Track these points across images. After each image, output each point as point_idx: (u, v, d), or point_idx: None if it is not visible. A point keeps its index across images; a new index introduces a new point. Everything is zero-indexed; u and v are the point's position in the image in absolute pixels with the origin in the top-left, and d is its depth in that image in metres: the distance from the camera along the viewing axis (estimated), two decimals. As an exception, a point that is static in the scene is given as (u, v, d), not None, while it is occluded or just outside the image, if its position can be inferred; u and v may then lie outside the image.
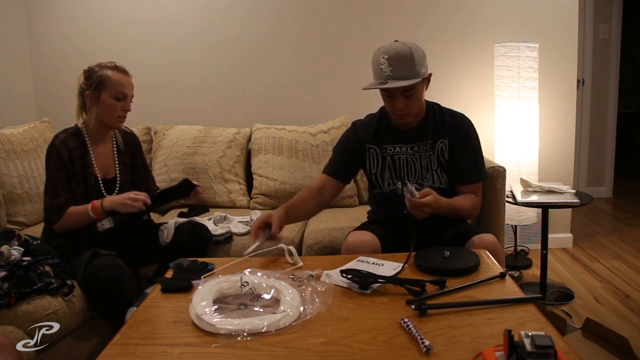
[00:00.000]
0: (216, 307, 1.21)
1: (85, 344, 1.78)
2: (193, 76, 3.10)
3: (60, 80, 3.10)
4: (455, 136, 1.85)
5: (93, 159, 1.94)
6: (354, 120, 1.99)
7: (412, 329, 1.08)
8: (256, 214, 2.42)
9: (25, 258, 1.69)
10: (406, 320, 1.12)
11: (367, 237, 1.76)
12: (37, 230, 2.07)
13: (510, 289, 1.32)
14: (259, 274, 1.36)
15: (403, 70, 1.69)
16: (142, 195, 1.83)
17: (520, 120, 2.81)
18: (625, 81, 4.75)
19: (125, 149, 2.07)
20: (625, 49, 4.42)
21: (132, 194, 1.83)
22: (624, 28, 4.29)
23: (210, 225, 2.26)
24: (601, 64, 4.28)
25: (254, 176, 2.77)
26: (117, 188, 2.00)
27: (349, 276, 1.36)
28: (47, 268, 1.69)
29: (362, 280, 1.34)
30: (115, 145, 2.04)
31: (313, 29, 3.07)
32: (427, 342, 1.03)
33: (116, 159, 2.03)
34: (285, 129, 2.83)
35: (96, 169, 1.95)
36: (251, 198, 2.75)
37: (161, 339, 1.14)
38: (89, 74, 1.89)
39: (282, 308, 1.18)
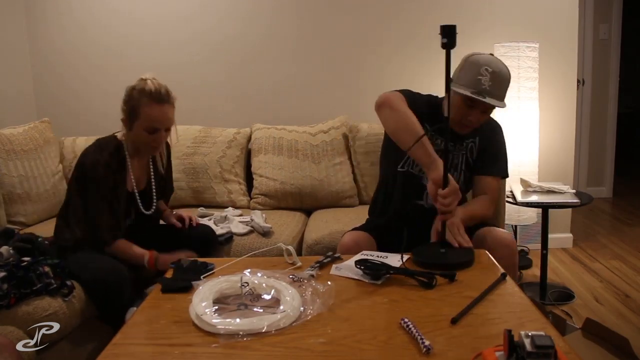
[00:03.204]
0: (216, 307, 1.21)
1: (86, 343, 1.78)
2: (193, 76, 3.10)
3: (60, 80, 3.10)
4: (485, 136, 1.88)
5: (131, 172, 1.90)
6: (407, 89, 1.85)
7: (412, 329, 1.08)
8: (256, 214, 2.42)
9: (25, 258, 1.69)
10: (406, 320, 1.12)
11: (363, 237, 1.76)
12: (37, 230, 2.07)
13: (510, 289, 1.32)
14: (259, 274, 1.36)
15: (501, 90, 1.72)
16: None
17: (520, 120, 2.80)
18: (625, 81, 4.74)
19: (160, 160, 2.05)
20: (625, 49, 4.42)
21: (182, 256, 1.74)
22: (624, 28, 4.29)
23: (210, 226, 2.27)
24: (601, 64, 4.28)
25: (254, 176, 2.77)
26: (155, 200, 2.01)
27: (362, 267, 1.39)
28: (47, 269, 1.69)
29: (375, 273, 1.36)
30: (150, 157, 2.01)
31: (313, 30, 3.07)
32: (427, 342, 1.03)
33: (151, 170, 2.00)
34: (285, 129, 2.83)
35: (133, 181, 1.91)
36: (251, 198, 2.75)
37: (161, 339, 1.14)
38: (128, 97, 1.80)
39: (282, 308, 1.18)
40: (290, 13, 3.06)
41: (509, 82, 1.74)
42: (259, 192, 2.72)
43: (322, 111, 3.00)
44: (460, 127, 1.78)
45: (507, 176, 1.95)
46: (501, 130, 1.95)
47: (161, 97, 1.80)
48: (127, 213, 1.91)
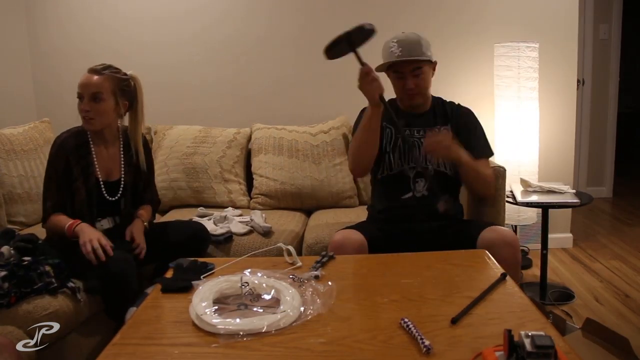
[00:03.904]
0: (216, 307, 1.21)
1: (86, 343, 1.78)
2: (193, 76, 3.10)
3: (60, 80, 3.09)
4: (457, 121, 1.95)
5: (95, 160, 1.93)
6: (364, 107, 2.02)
7: (412, 329, 1.08)
8: (256, 214, 2.42)
9: (26, 258, 1.69)
10: (406, 320, 1.12)
11: (354, 235, 1.77)
12: (37, 231, 2.07)
13: (510, 289, 1.32)
14: (259, 274, 1.36)
15: (412, 51, 1.82)
16: (105, 246, 1.71)
17: (520, 120, 2.80)
18: (625, 81, 4.74)
19: (132, 151, 2.03)
20: (625, 49, 4.42)
21: (96, 240, 1.71)
22: (624, 28, 4.29)
23: (210, 225, 2.26)
24: (601, 64, 4.28)
25: (254, 176, 2.77)
26: (121, 191, 1.99)
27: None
28: (48, 268, 1.69)
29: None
30: (122, 147, 2.02)
31: (313, 29, 3.06)
32: (427, 342, 1.03)
33: (122, 160, 2.01)
34: (285, 129, 2.82)
35: (97, 170, 1.93)
36: (251, 198, 2.75)
37: (161, 339, 1.14)
38: None
39: (282, 308, 1.18)
40: (290, 13, 3.06)
41: (419, 40, 1.84)
42: (259, 192, 2.71)
43: (322, 111, 3.00)
44: (408, 100, 1.91)
45: (492, 154, 2.02)
46: (472, 114, 2.01)
47: (92, 68, 1.88)
48: (90, 198, 1.90)
